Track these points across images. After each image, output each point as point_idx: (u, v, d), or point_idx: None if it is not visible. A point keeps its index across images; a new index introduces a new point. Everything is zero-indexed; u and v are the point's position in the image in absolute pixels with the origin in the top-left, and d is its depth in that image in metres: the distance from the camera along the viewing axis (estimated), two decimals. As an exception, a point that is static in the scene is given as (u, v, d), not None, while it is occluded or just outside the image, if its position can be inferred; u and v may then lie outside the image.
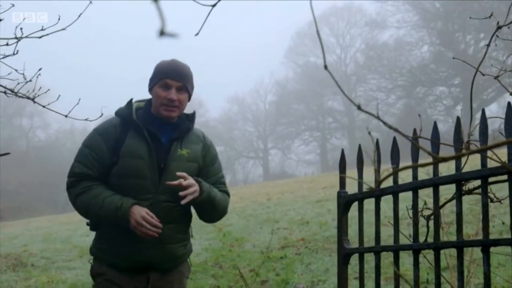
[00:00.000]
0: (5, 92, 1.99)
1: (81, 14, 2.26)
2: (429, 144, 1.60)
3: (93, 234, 2.45)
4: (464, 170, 1.46)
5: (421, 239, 1.91)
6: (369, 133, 0.84)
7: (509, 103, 1.32)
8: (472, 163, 1.94)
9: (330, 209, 9.89)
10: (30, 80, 2.03)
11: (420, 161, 1.58)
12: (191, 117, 2.42)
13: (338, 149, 40.95)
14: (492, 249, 1.39)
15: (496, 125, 1.72)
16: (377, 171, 0.72)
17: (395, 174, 1.54)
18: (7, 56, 1.91)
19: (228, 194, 2.51)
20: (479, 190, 1.59)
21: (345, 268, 1.74)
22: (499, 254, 4.62)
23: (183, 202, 2.19)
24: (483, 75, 1.57)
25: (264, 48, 50.02)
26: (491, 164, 1.43)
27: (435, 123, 1.52)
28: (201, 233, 8.28)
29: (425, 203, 1.68)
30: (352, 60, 40.84)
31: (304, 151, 42.95)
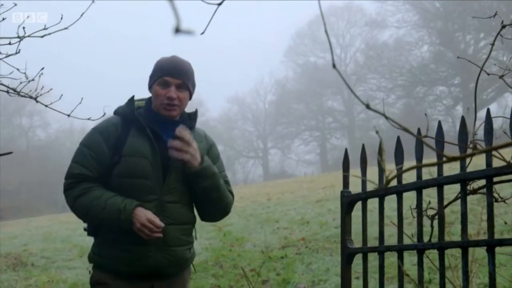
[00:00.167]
0: (7, 91, 1.98)
1: (83, 13, 2.26)
2: (433, 143, 1.59)
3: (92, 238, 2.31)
4: (464, 170, 1.46)
5: (423, 238, 1.91)
6: (377, 132, 0.83)
7: (514, 102, 1.32)
8: (474, 162, 1.94)
9: (330, 208, 9.89)
10: (33, 79, 2.03)
11: (424, 161, 1.58)
12: (193, 115, 2.33)
13: (338, 149, 41.18)
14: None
15: (496, 124, 1.71)
16: (384, 171, 0.71)
17: (395, 174, 1.53)
18: (10, 55, 1.91)
19: (232, 194, 2.39)
20: (484, 190, 1.58)
21: (348, 268, 1.74)
22: (500, 254, 4.61)
23: (175, 154, 2.06)
24: (488, 74, 1.57)
25: (264, 48, 50.04)
26: (495, 163, 1.42)
27: (439, 122, 1.52)
28: (201, 233, 8.28)
29: (429, 203, 1.68)
30: (352, 60, 40.85)
31: (304, 151, 42.99)
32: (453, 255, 3.43)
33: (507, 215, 6.39)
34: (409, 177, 2.15)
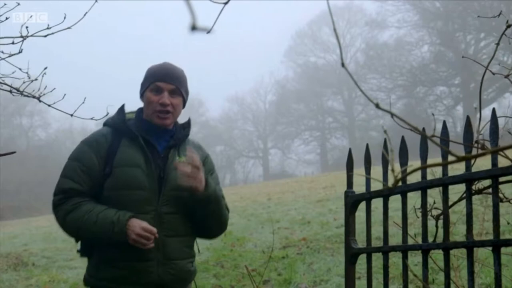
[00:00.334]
0: (10, 91, 1.98)
1: (86, 13, 2.26)
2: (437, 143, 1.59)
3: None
4: (469, 170, 1.45)
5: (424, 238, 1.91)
6: (385, 131, 0.83)
7: (520, 102, 1.31)
8: (477, 162, 1.93)
9: (331, 208, 9.89)
10: (36, 79, 2.03)
11: (428, 161, 1.57)
12: (187, 125, 2.22)
13: (338, 149, 41.18)
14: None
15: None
16: (393, 170, 0.71)
17: (403, 173, 1.53)
18: (13, 54, 1.90)
19: (228, 209, 2.26)
20: (489, 190, 1.58)
21: (352, 268, 1.73)
22: (502, 254, 4.61)
23: (185, 181, 1.93)
24: (493, 74, 1.56)
25: (264, 48, 50.04)
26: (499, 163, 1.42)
27: (444, 122, 1.51)
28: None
29: (434, 203, 1.67)
30: (352, 60, 40.79)
31: (304, 151, 42.99)
32: (455, 255, 3.43)
33: (509, 215, 6.40)
34: (411, 177, 2.15)
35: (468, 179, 1.42)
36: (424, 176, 1.54)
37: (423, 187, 1.53)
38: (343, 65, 0.71)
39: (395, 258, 5.12)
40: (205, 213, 2.08)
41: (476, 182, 1.53)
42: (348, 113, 40.08)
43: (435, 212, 1.73)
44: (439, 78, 33.92)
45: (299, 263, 6.14)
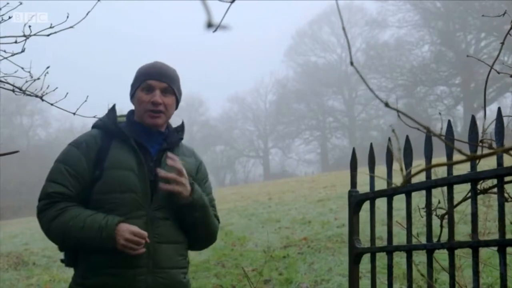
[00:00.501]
0: (13, 90, 1.98)
1: (89, 11, 2.25)
2: (441, 142, 1.58)
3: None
4: (474, 169, 1.45)
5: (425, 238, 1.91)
6: (393, 130, 0.82)
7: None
8: (480, 162, 1.92)
9: (332, 208, 9.89)
10: (38, 78, 2.02)
11: (432, 160, 1.57)
12: (180, 128, 2.13)
13: (339, 148, 41.17)
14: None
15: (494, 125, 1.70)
16: (402, 169, 0.70)
17: (408, 173, 1.52)
18: (15, 54, 1.90)
19: (218, 220, 2.15)
20: (494, 190, 1.58)
21: (356, 268, 1.73)
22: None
23: (164, 187, 1.87)
24: (498, 73, 1.56)
25: (264, 48, 50.03)
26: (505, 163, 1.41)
27: (449, 121, 1.51)
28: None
29: (439, 202, 1.67)
30: (352, 60, 40.73)
31: (305, 151, 43.00)
32: (457, 255, 3.43)
33: (509, 215, 6.40)
34: (414, 177, 2.14)
35: (474, 178, 1.42)
36: (428, 175, 1.54)
37: (428, 186, 1.52)
38: (352, 63, 0.71)
39: (397, 258, 5.12)
40: (191, 220, 1.98)
41: (481, 181, 1.53)
42: (348, 112, 40.09)
43: (439, 212, 1.72)
44: (439, 78, 33.93)
45: (300, 263, 6.14)
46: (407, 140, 1.60)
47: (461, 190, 1.85)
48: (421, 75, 34.08)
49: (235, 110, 44.91)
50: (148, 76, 2.00)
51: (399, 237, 4.69)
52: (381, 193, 1.66)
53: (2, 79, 1.97)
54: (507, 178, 1.38)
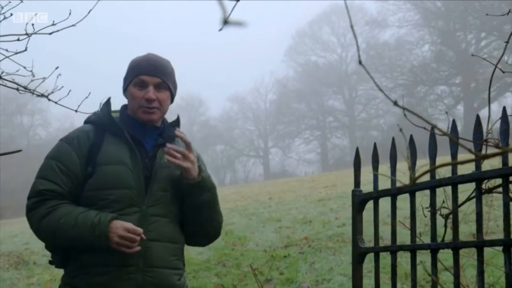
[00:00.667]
0: (17, 89, 1.97)
1: (91, 10, 2.26)
2: (446, 141, 1.58)
3: None
4: (479, 169, 1.44)
5: (428, 239, 1.90)
6: (401, 130, 0.82)
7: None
8: (484, 162, 1.92)
9: (332, 208, 9.88)
10: (45, 78, 2.02)
11: (436, 160, 1.56)
12: (175, 122, 2.05)
13: (339, 148, 41.10)
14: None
15: (496, 124, 1.69)
16: (411, 168, 0.70)
17: (412, 172, 1.52)
18: (18, 52, 1.90)
19: (221, 215, 2.05)
20: (499, 189, 1.57)
21: (360, 267, 1.73)
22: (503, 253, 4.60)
23: (172, 160, 1.80)
24: (503, 72, 1.56)
25: (264, 47, 50.02)
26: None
27: (453, 121, 1.50)
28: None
29: (443, 202, 1.67)
30: (353, 59, 40.80)
31: (305, 150, 42.96)
32: (461, 255, 3.42)
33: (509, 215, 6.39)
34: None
35: (478, 178, 1.42)
36: (433, 175, 1.54)
37: (433, 186, 1.52)
38: (360, 62, 0.70)
39: (398, 258, 5.11)
40: (198, 204, 1.89)
41: (486, 181, 1.52)
42: (348, 112, 40.07)
43: (443, 211, 1.72)
44: (439, 77, 33.91)
45: (301, 262, 6.14)
46: (412, 139, 1.59)
47: (464, 189, 1.84)
48: (421, 75, 34.06)
49: (235, 109, 44.91)
50: (141, 71, 1.91)
51: (400, 237, 4.68)
52: (385, 193, 1.66)
53: (8, 77, 1.97)
54: (512, 178, 1.38)
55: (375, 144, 1.73)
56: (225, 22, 0.44)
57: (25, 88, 1.98)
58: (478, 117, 1.43)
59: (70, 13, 1.96)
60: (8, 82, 2.14)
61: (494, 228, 5.97)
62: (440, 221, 1.78)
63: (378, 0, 35.96)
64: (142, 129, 1.93)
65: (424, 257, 2.45)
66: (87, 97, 2.18)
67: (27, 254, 8.29)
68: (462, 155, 1.52)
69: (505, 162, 1.36)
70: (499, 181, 1.54)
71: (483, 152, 1.44)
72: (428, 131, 1.51)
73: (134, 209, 1.81)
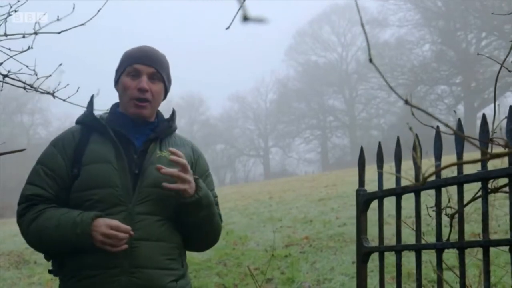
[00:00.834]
0: (24, 87, 1.97)
1: (100, 9, 2.26)
2: (451, 141, 1.57)
3: None
4: (485, 168, 1.43)
5: (429, 238, 1.90)
6: (410, 128, 0.81)
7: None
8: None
9: (333, 207, 9.88)
10: (50, 75, 2.01)
11: (442, 159, 1.56)
12: (171, 117, 1.94)
13: (339, 147, 41.12)
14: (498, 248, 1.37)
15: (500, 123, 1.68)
16: (420, 167, 0.69)
17: (418, 172, 1.51)
18: (24, 51, 1.89)
19: (221, 218, 1.96)
20: (505, 189, 1.57)
21: (364, 267, 1.72)
22: (506, 253, 4.60)
23: (168, 185, 1.69)
24: (510, 71, 1.55)
25: (265, 47, 50.01)
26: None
27: (459, 120, 1.49)
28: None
29: (449, 201, 1.66)
30: (353, 59, 40.83)
31: (305, 150, 43.01)
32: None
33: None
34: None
35: (484, 177, 1.41)
36: (438, 174, 1.53)
37: (438, 185, 1.51)
38: (370, 60, 0.70)
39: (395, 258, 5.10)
40: (195, 221, 1.79)
41: (492, 180, 1.52)
42: (349, 112, 40.09)
43: (449, 211, 1.71)
44: (440, 77, 33.92)
45: (302, 262, 6.13)
46: (417, 138, 1.58)
47: (467, 189, 1.84)
48: (422, 74, 34.07)
49: (235, 109, 44.94)
50: (135, 60, 1.81)
51: (402, 237, 4.67)
52: (390, 192, 1.65)
53: (15, 76, 1.96)
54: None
55: (379, 143, 1.72)
56: (245, 18, 0.43)
57: (32, 86, 1.97)
58: (484, 116, 1.42)
59: (74, 7, 1.95)
60: (15, 81, 2.14)
61: (496, 227, 5.97)
62: (442, 220, 1.77)
63: (378, -1, 35.93)
64: (132, 125, 1.84)
65: (424, 256, 2.44)
66: (97, 94, 2.13)
67: (27, 254, 8.29)
68: (466, 154, 1.51)
69: (511, 161, 1.35)
70: (504, 180, 1.54)
71: (489, 151, 1.43)
72: (436, 130, 1.50)
73: (120, 208, 1.71)
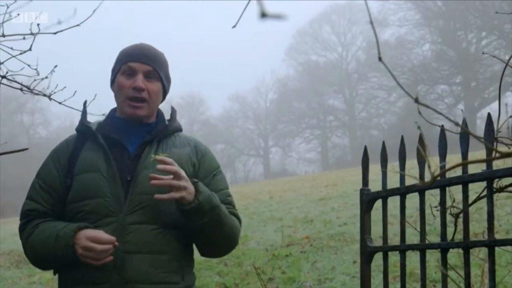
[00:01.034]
0: (21, 89, 1.96)
1: (96, 9, 2.24)
2: (455, 140, 1.57)
3: None
4: (490, 168, 1.43)
5: (431, 238, 1.89)
6: (419, 127, 0.81)
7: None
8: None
9: (333, 207, 9.87)
10: (47, 77, 2.00)
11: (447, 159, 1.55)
12: (170, 117, 1.83)
13: (339, 147, 41.10)
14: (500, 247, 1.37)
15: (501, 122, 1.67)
16: (430, 166, 0.69)
17: (422, 171, 1.51)
18: (23, 52, 1.89)
19: (238, 218, 1.82)
20: (510, 189, 1.56)
21: (368, 267, 1.72)
22: (507, 252, 4.60)
23: (160, 197, 1.57)
24: (515, 70, 1.55)
25: (265, 46, 50.00)
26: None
27: (464, 119, 1.49)
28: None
29: (454, 201, 1.66)
30: (353, 58, 40.82)
31: (305, 149, 43.00)
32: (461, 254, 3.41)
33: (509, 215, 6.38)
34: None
35: (489, 177, 1.40)
36: (439, 174, 1.52)
37: (442, 185, 1.51)
38: (380, 59, 0.69)
39: (397, 257, 5.10)
40: (199, 227, 1.65)
41: (497, 180, 1.51)
42: (349, 111, 40.08)
43: (454, 211, 1.71)
44: (440, 76, 33.92)
45: (303, 262, 6.13)
46: (420, 138, 1.58)
47: (470, 188, 1.83)
48: (422, 74, 34.06)
49: (235, 109, 44.93)
50: (130, 58, 1.71)
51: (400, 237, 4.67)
52: (394, 192, 1.64)
53: (10, 77, 1.96)
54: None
55: (383, 142, 1.72)
56: (263, 15, 0.42)
57: (28, 88, 1.96)
58: (489, 116, 1.41)
59: (75, 10, 1.95)
60: (12, 82, 2.13)
61: (497, 227, 5.97)
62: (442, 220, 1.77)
63: (378, -1, 35.91)
64: (128, 128, 1.73)
65: (428, 256, 2.44)
66: (93, 99, 2.14)
67: (28, 253, 8.30)
68: (470, 154, 1.51)
69: (517, 160, 1.35)
70: (509, 180, 1.53)
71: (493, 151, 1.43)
72: (441, 129, 1.49)
73: (110, 219, 1.61)
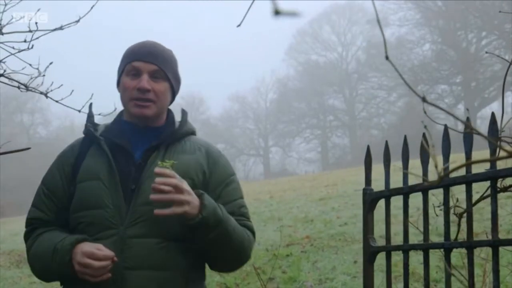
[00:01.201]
0: (18, 87, 1.96)
1: (93, 6, 2.24)
2: (460, 139, 1.56)
3: None
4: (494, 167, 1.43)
5: (433, 237, 1.89)
6: (425, 126, 0.80)
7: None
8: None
9: (333, 207, 9.87)
10: (44, 75, 2.00)
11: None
12: (182, 118, 1.73)
13: (339, 147, 41.06)
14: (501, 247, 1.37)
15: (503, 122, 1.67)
16: (437, 165, 0.68)
17: (426, 170, 1.50)
18: (22, 50, 1.89)
19: (252, 230, 1.72)
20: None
21: (371, 267, 1.71)
22: (507, 252, 4.62)
23: (160, 212, 1.45)
24: (519, 69, 1.54)
25: (265, 46, 50.01)
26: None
27: (468, 118, 1.48)
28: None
29: (457, 200, 1.65)
30: (353, 58, 40.82)
31: (305, 149, 42.98)
32: (462, 254, 3.41)
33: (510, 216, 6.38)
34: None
35: (493, 176, 1.40)
36: (446, 173, 1.52)
37: (446, 185, 1.50)
38: (387, 58, 0.69)
39: (399, 257, 5.10)
40: (207, 243, 1.54)
41: (500, 180, 1.51)
42: (349, 111, 40.07)
43: (457, 210, 1.71)
44: (440, 76, 33.93)
45: (304, 261, 6.13)
46: (424, 137, 1.57)
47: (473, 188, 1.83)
48: (422, 74, 34.06)
49: (235, 108, 44.91)
50: (134, 57, 1.60)
51: (400, 236, 4.66)
52: (397, 191, 1.64)
53: (8, 75, 1.96)
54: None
55: (386, 142, 1.71)
56: (277, 12, 0.42)
57: (26, 86, 1.96)
58: (493, 115, 1.41)
59: (79, 19, 1.95)
60: (10, 80, 2.13)
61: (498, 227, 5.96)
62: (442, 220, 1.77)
63: (379, -1, 35.94)
64: (135, 132, 1.63)
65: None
66: (90, 98, 2.12)
67: (28, 253, 8.30)
68: (473, 153, 1.50)
69: (521, 160, 1.34)
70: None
71: (497, 150, 1.42)
72: (445, 128, 1.49)
73: (110, 232, 1.51)
